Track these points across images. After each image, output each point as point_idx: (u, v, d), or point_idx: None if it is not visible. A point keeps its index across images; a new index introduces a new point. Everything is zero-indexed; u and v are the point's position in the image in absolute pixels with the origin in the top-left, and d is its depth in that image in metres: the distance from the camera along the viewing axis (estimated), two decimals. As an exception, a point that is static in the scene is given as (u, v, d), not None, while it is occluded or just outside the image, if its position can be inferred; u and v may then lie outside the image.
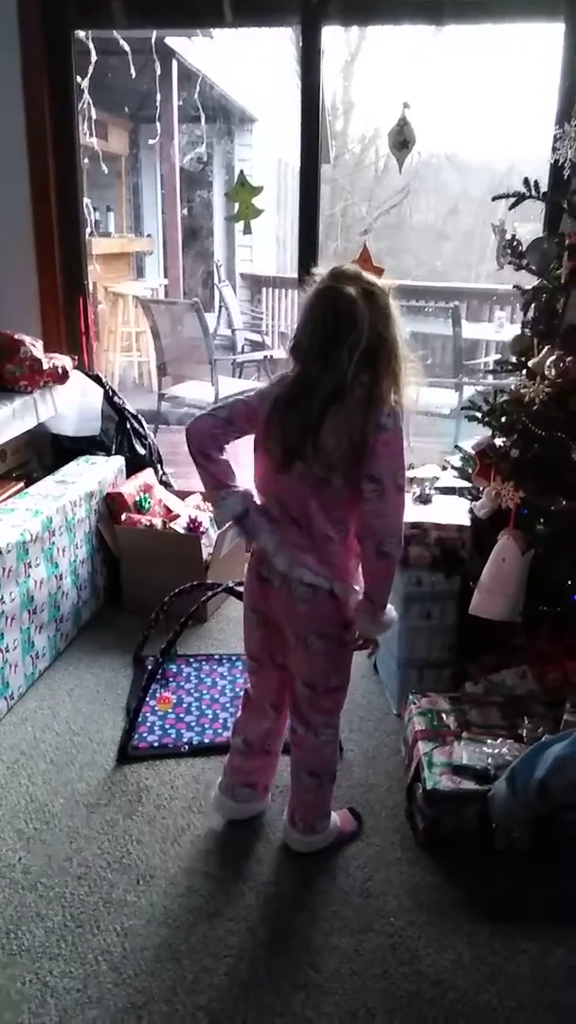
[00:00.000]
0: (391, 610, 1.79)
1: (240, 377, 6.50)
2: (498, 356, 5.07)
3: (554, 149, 2.40)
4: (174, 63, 6.00)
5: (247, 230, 3.18)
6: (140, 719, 2.48)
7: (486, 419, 2.27)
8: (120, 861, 2.00)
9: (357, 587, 1.80)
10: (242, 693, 2.10)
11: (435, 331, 5.32)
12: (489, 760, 2.03)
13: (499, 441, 2.28)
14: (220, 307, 7.30)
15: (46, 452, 3.41)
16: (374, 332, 1.61)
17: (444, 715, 2.24)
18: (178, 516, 3.25)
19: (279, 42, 7.58)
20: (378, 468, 1.64)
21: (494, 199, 2.26)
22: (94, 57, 3.99)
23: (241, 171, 3.22)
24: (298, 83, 3.28)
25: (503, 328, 5.48)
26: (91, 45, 3.93)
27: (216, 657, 2.86)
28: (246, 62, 7.16)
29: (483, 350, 5.86)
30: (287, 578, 1.76)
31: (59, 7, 3.19)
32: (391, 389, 1.66)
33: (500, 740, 2.10)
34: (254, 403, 1.77)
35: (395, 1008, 1.64)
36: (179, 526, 3.16)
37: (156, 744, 2.42)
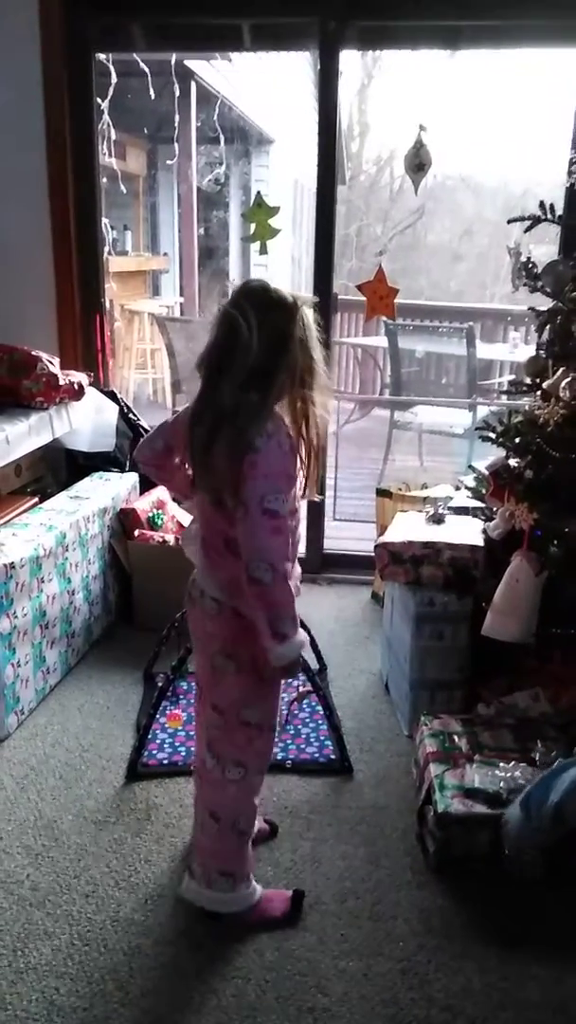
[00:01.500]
0: (296, 639, 1.64)
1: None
2: (512, 377, 5.07)
3: (570, 173, 2.42)
4: (193, 84, 6.07)
5: (263, 250, 3.21)
6: (150, 736, 2.47)
7: (500, 439, 2.27)
8: (128, 880, 1.99)
9: None
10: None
11: (449, 351, 5.32)
12: (501, 784, 2.01)
13: (513, 462, 2.28)
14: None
15: (60, 468, 3.43)
16: (269, 355, 1.55)
17: (456, 737, 2.23)
18: (191, 533, 3.26)
19: (297, 65, 7.67)
20: (244, 489, 1.55)
21: (510, 221, 2.27)
22: (114, 78, 4.06)
23: (258, 192, 3.24)
24: (315, 105, 3.31)
25: (517, 349, 5.48)
26: (111, 67, 4.00)
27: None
28: (264, 84, 7.24)
29: (497, 370, 5.87)
30: (203, 593, 1.74)
31: (81, 30, 3.24)
32: (287, 409, 1.63)
33: (513, 764, 2.08)
34: (180, 423, 1.73)
35: (404, 1034, 1.62)
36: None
37: (166, 761, 2.41)
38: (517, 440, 2.26)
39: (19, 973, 1.74)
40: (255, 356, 1.55)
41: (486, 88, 9.69)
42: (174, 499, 1.90)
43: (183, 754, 2.44)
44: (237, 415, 1.56)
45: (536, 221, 2.22)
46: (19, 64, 3.23)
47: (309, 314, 1.61)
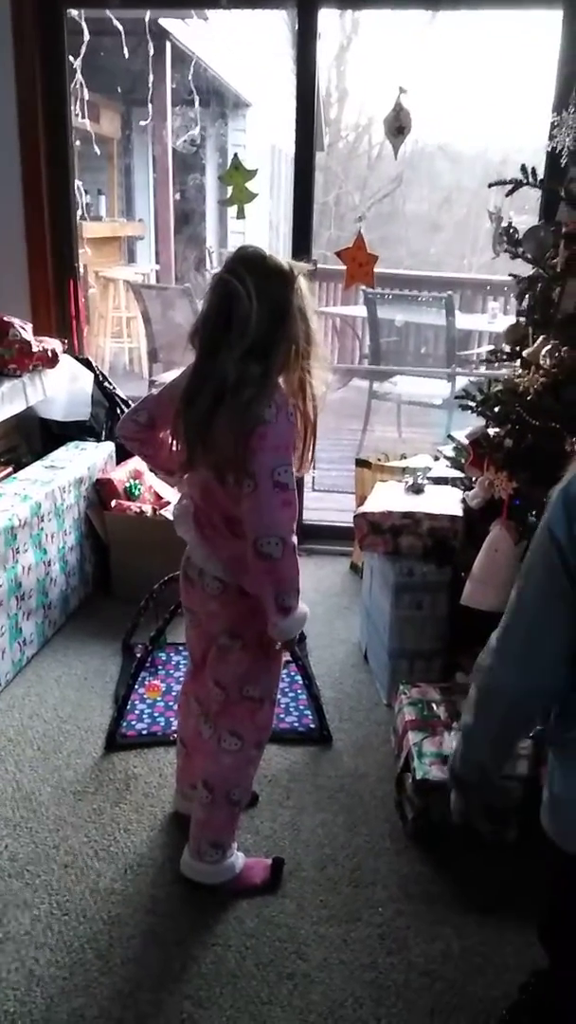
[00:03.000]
0: (300, 610, 1.66)
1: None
2: (491, 347, 5.05)
3: (551, 137, 2.38)
4: (168, 44, 5.93)
5: (240, 214, 3.15)
6: (128, 707, 2.46)
7: (480, 408, 2.25)
8: (107, 849, 1.99)
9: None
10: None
11: (428, 321, 5.29)
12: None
13: (492, 431, 2.27)
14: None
15: (35, 437, 3.38)
16: (269, 325, 1.51)
17: (435, 705, 2.24)
18: (168, 503, 3.23)
19: (274, 26, 7.52)
20: (253, 463, 1.52)
21: (490, 185, 2.24)
22: (87, 37, 3.94)
23: (235, 154, 3.17)
24: (293, 68, 3.24)
25: (496, 319, 5.46)
26: (84, 25, 3.88)
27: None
28: (240, 46, 7.09)
29: (476, 341, 5.84)
30: (203, 573, 1.71)
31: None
32: (285, 382, 1.59)
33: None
34: (165, 396, 1.69)
35: (383, 998, 1.63)
36: (169, 513, 3.13)
37: (144, 732, 2.40)
38: (497, 409, 2.24)
39: (-2, 943, 1.74)
40: (255, 326, 1.50)
41: (465, 53, 9.55)
42: (155, 474, 1.85)
43: (162, 724, 2.43)
44: (242, 387, 1.51)
45: (517, 185, 2.19)
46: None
47: (304, 283, 1.55)
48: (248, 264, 1.52)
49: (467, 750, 1.27)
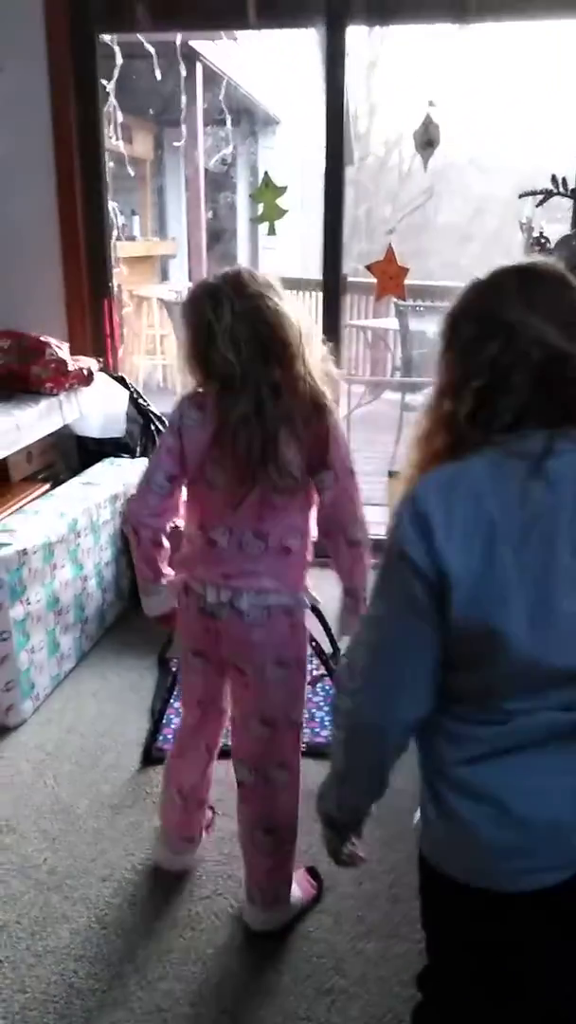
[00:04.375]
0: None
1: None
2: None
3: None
4: (199, 65, 6.01)
5: (272, 231, 3.18)
6: (165, 721, 2.47)
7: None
8: (145, 864, 2.00)
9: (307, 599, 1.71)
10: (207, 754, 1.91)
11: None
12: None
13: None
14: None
15: (71, 454, 3.42)
16: (287, 334, 1.55)
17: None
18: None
19: (303, 44, 7.58)
20: (331, 455, 1.60)
21: (522, 196, 2.24)
22: (119, 60, 4.01)
23: (266, 172, 3.20)
24: (322, 84, 3.27)
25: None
26: (116, 48, 3.95)
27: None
28: (270, 64, 7.16)
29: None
30: (235, 607, 1.64)
31: (84, 10, 3.20)
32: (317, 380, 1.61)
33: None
34: (176, 445, 1.64)
35: (422, 1015, 1.62)
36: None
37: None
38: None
39: (38, 956, 1.75)
40: (277, 344, 1.54)
41: (495, 66, 9.54)
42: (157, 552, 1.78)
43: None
44: (291, 391, 1.54)
45: (548, 195, 2.18)
46: (24, 46, 3.20)
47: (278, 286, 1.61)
48: (236, 284, 1.55)
49: (343, 795, 1.18)
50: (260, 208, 3.15)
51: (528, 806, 1.05)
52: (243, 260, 8.49)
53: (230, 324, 1.52)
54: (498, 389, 1.01)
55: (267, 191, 3.16)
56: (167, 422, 1.71)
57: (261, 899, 1.78)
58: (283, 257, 8.44)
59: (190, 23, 3.82)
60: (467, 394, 1.03)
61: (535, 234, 2.22)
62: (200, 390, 1.64)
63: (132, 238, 6.69)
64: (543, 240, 2.22)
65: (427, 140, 3.09)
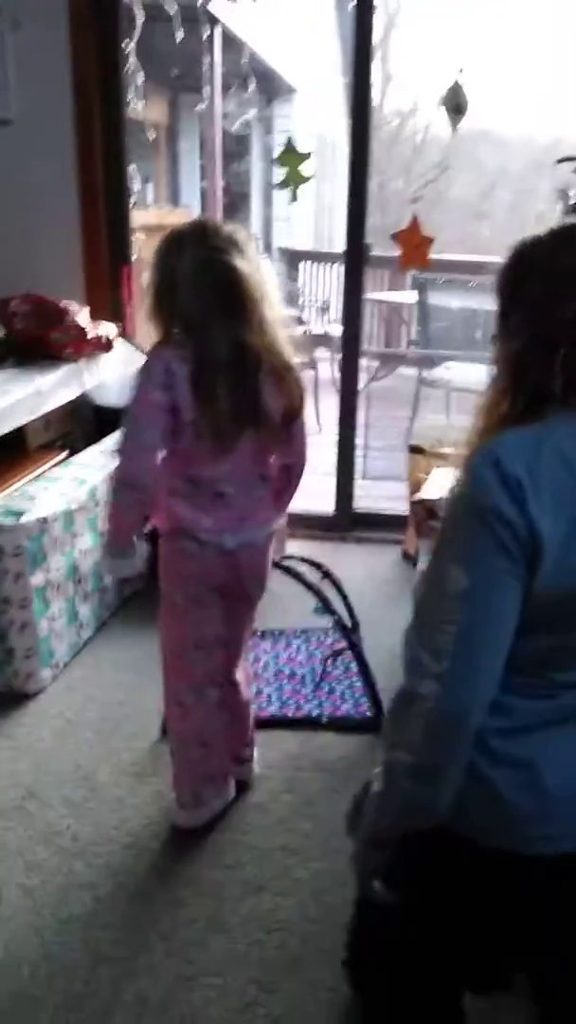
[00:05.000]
0: None
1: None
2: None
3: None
4: (217, 30, 5.90)
5: (294, 197, 3.12)
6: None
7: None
8: (167, 831, 1.99)
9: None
10: (220, 690, 1.97)
11: (481, 306, 5.21)
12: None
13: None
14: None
15: (89, 421, 3.38)
16: (260, 290, 1.67)
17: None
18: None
19: (323, 9, 7.44)
20: (298, 409, 1.80)
21: (559, 162, 2.19)
22: (140, 21, 3.93)
23: (289, 137, 3.14)
24: (340, 52, 3.20)
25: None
26: (138, 9, 3.87)
27: (259, 632, 2.84)
28: (287, 30, 7.04)
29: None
30: (252, 542, 1.84)
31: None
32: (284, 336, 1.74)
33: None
34: (166, 400, 1.66)
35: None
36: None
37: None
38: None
39: (62, 923, 1.75)
40: (251, 298, 1.66)
41: (509, 38, 9.39)
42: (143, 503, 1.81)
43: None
44: (256, 345, 1.67)
45: (588, 162, 2.13)
46: (42, 1, 3.13)
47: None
48: (224, 238, 1.66)
49: (418, 795, 1.05)
50: (284, 173, 3.10)
51: (558, 777, 1.04)
52: (256, 229, 8.39)
53: (190, 271, 1.62)
54: (571, 354, 0.97)
55: (290, 156, 3.10)
56: (147, 376, 1.69)
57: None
58: (296, 228, 8.36)
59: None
60: (543, 357, 0.98)
61: (572, 201, 2.16)
62: (171, 341, 1.69)
63: (147, 206, 6.60)
64: (583, 208, 2.17)
65: (455, 105, 3.03)
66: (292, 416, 1.80)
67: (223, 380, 1.64)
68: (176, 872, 1.88)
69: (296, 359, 1.76)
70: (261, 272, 1.67)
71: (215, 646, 1.91)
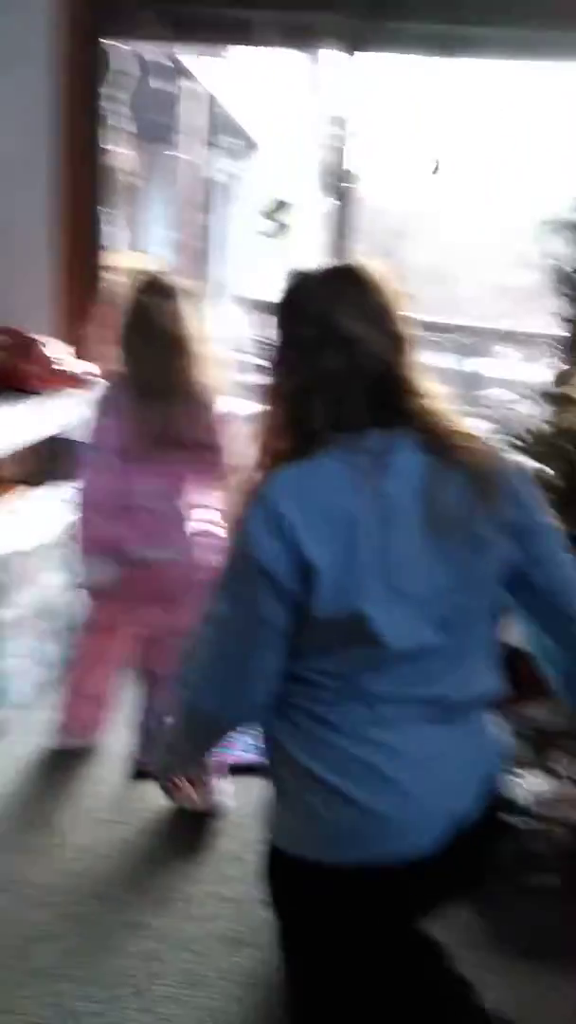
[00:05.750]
0: None
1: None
2: (501, 390, 5.08)
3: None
4: (188, 82, 6.03)
5: (281, 245, 3.19)
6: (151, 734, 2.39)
7: (531, 448, 2.23)
8: (136, 881, 1.92)
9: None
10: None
11: (444, 365, 5.34)
12: (525, 795, 1.98)
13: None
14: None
15: (59, 456, 3.32)
16: (181, 331, 1.92)
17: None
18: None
19: (292, 70, 7.66)
20: (216, 442, 1.96)
21: (543, 223, 2.25)
22: (117, 69, 3.98)
23: (274, 192, 3.23)
24: (307, 111, 3.29)
25: (511, 363, 5.54)
26: (115, 58, 3.92)
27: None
28: (255, 88, 7.22)
29: (484, 385, 5.89)
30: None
31: (92, 14, 3.16)
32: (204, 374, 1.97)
33: (534, 774, 2.05)
34: (116, 424, 1.96)
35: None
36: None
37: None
38: (541, 449, 2.24)
39: (27, 975, 1.65)
40: (175, 336, 1.93)
41: (474, 110, 9.78)
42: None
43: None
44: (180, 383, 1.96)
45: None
46: (28, 46, 3.15)
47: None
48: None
49: (177, 743, 1.28)
50: (271, 221, 3.16)
51: (406, 775, 1.09)
52: (222, 276, 8.48)
53: (129, 313, 1.92)
54: (340, 396, 1.07)
55: (275, 208, 3.17)
56: (98, 403, 2.06)
57: None
58: (265, 279, 8.46)
59: (198, 36, 3.83)
60: (311, 400, 1.08)
61: (563, 269, 2.18)
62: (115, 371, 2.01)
63: (116, 251, 6.63)
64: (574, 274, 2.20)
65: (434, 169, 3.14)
66: (207, 444, 1.96)
67: (158, 410, 1.92)
68: (145, 924, 1.80)
69: (219, 397, 1.98)
70: (189, 316, 1.95)
71: None
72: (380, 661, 1.07)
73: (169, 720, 1.29)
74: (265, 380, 1.16)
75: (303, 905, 1.18)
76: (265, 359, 1.16)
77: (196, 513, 2.01)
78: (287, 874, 1.17)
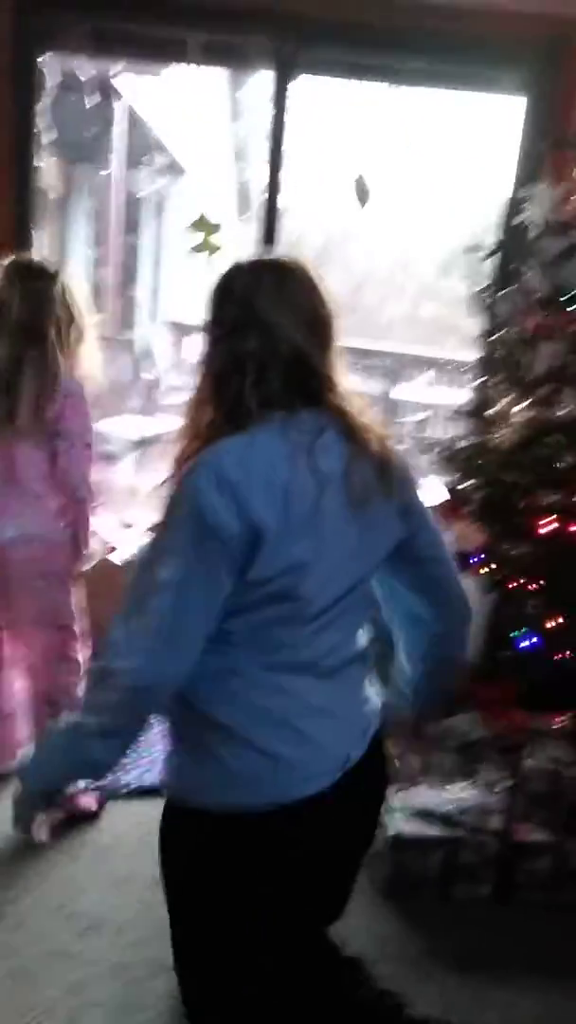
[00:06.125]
0: None
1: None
2: (425, 414, 5.20)
3: (517, 212, 2.48)
4: (118, 102, 6.02)
5: (207, 262, 3.18)
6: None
7: (462, 463, 2.28)
8: (62, 910, 1.85)
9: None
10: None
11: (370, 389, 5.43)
12: (451, 806, 2.00)
13: (462, 484, 2.30)
14: (145, 349, 7.22)
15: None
16: (42, 315, 1.94)
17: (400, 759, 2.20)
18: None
19: (220, 92, 7.72)
20: (63, 428, 1.95)
21: (466, 251, 2.32)
22: (48, 85, 3.95)
23: (202, 213, 3.22)
24: (231, 134, 3.30)
25: (429, 387, 5.65)
26: (48, 75, 3.89)
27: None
28: (185, 109, 7.24)
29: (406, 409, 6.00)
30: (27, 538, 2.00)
31: (25, 28, 3.14)
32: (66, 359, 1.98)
33: (460, 785, 2.07)
34: None
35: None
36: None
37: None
38: (471, 464, 2.28)
39: (-55, 1013, 1.58)
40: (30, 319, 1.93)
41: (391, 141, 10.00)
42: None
43: (110, 779, 2.31)
44: (43, 363, 1.95)
45: (494, 251, 2.28)
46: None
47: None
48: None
49: (101, 750, 1.18)
50: (198, 241, 3.15)
51: (312, 726, 1.18)
52: (143, 297, 8.45)
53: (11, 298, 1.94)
54: (260, 376, 1.14)
55: (203, 225, 3.16)
56: None
57: None
58: (184, 302, 8.46)
59: (131, 53, 3.82)
60: (234, 377, 1.15)
61: (483, 286, 2.27)
62: None
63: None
64: (490, 293, 2.27)
65: (360, 193, 3.18)
66: (53, 430, 1.95)
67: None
68: (72, 953, 1.74)
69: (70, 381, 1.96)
70: (56, 298, 1.96)
71: None
72: (291, 618, 1.16)
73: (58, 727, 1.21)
74: (199, 356, 1.22)
75: (203, 860, 1.22)
76: (202, 337, 1.22)
77: (34, 502, 2.00)
78: (189, 828, 1.23)
